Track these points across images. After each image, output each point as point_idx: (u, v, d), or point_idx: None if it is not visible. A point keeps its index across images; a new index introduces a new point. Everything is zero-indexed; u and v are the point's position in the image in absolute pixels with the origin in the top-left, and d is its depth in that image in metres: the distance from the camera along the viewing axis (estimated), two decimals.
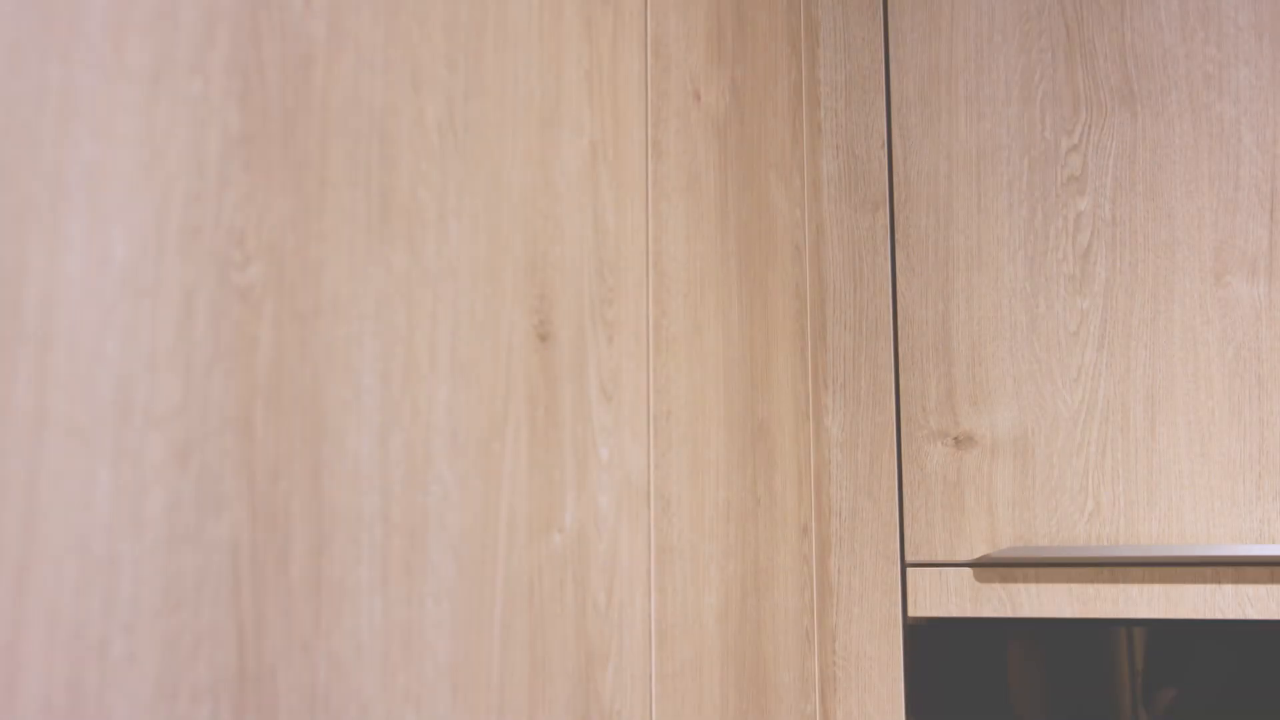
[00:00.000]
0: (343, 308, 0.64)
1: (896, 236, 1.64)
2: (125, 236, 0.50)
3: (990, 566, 1.53)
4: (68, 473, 0.47)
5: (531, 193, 0.85)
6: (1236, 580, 1.47)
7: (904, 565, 1.57)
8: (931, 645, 1.59)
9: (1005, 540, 1.53)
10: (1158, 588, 1.48)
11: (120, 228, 0.50)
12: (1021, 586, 1.52)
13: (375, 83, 0.68)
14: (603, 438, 0.94)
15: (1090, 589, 1.51)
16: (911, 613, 1.57)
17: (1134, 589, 1.49)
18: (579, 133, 0.93)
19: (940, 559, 1.55)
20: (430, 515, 0.70)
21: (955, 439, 1.56)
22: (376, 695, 0.64)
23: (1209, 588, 1.47)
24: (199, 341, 0.54)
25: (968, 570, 1.54)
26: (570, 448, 0.88)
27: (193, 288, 0.53)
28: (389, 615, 0.66)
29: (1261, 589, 1.47)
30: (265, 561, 0.57)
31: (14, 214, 0.45)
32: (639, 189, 1.05)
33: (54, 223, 0.47)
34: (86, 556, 0.47)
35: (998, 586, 1.52)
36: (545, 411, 0.85)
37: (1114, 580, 1.49)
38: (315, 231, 0.62)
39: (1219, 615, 1.47)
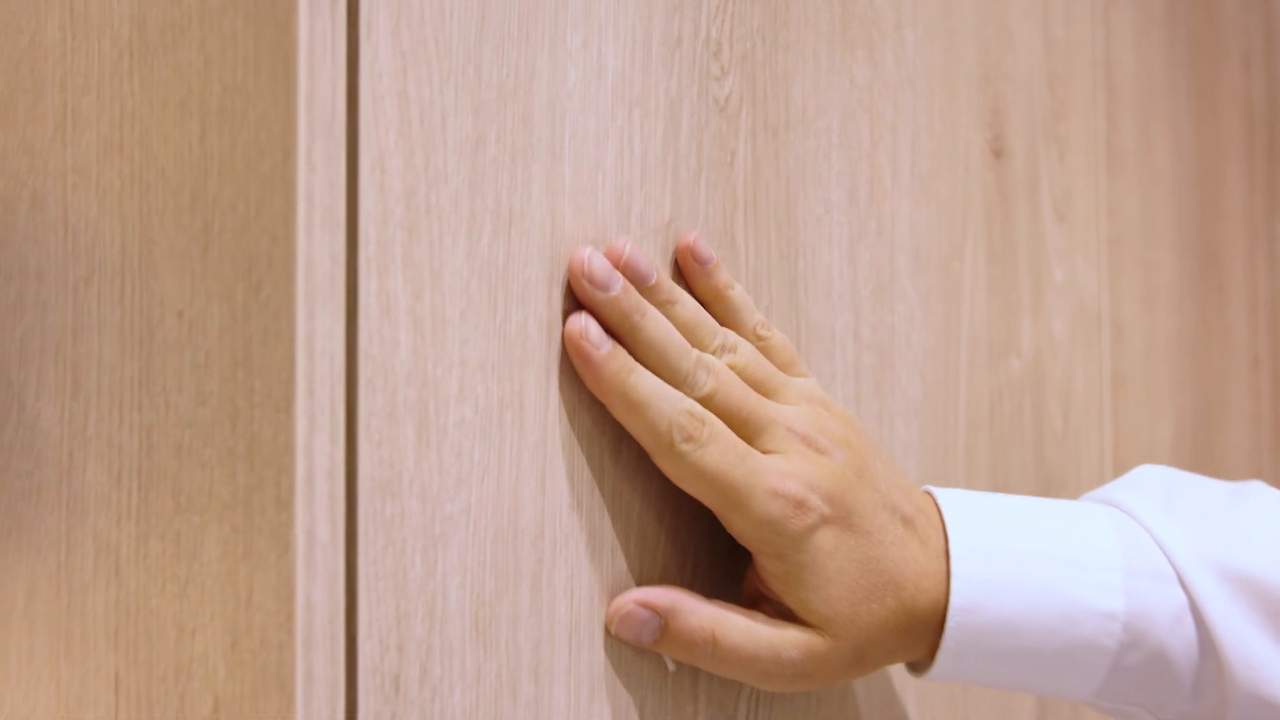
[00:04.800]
0: (810, 120, 0.62)
1: None
2: (615, 47, 0.50)
3: None
4: None
5: None
6: None
7: None
8: None
9: None
10: None
11: (611, 37, 0.50)
12: None
13: None
14: (1056, 260, 0.89)
15: None
16: None
17: None
18: None
19: None
20: (897, 334, 0.68)
21: None
22: None
23: None
24: (684, 153, 0.54)
25: None
26: (1025, 269, 0.84)
27: (676, 99, 0.53)
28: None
29: None
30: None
31: (520, 26, 0.46)
32: None
33: (555, 33, 0.47)
34: None
35: None
36: (1000, 231, 0.81)
37: None
38: (782, 42, 0.60)
39: None
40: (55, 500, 0.45)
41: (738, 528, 0.50)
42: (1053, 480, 0.86)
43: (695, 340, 0.52)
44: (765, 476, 0.50)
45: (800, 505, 0.50)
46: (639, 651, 0.50)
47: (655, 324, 0.50)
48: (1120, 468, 0.98)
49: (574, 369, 0.47)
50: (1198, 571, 0.54)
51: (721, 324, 0.54)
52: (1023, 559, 0.54)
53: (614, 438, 0.49)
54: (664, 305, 0.51)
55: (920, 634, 0.53)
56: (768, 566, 0.51)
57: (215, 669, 0.41)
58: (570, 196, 0.48)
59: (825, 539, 0.51)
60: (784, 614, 0.52)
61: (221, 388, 0.40)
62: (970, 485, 0.75)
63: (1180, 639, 0.54)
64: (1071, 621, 0.53)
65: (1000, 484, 0.79)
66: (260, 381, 0.39)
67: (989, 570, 0.53)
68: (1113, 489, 0.59)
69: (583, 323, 0.48)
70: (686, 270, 0.53)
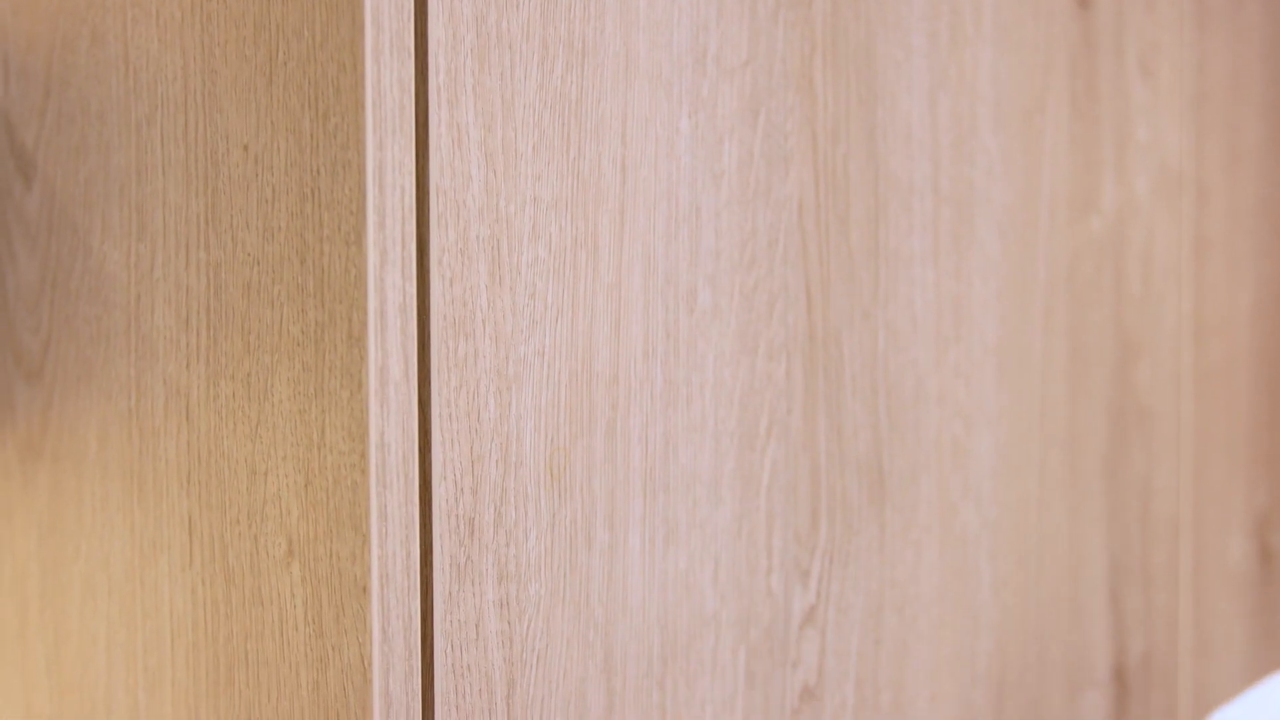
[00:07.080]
0: None
1: None
2: None
3: None
4: (653, 119, 0.46)
5: None
6: None
7: None
8: None
9: None
10: None
11: None
12: None
13: None
14: (1140, 117, 0.86)
15: None
16: None
17: None
18: None
19: None
20: (976, 188, 0.66)
21: None
22: (930, 368, 0.63)
23: None
24: None
25: None
26: (1109, 125, 0.81)
27: None
28: (940, 289, 0.63)
29: None
30: (828, 224, 0.56)
31: None
32: None
33: None
34: (673, 205, 0.47)
35: None
36: (1084, 85, 0.78)
37: None
38: None
39: None
40: (124, 345, 0.45)
41: None
42: (1130, 345, 0.84)
43: None
44: None
45: None
46: (713, 505, 0.49)
47: None
48: (1199, 334, 0.96)
49: (648, 211, 0.46)
50: None
51: None
52: None
53: (689, 288, 0.48)
54: None
55: None
56: None
57: (288, 510, 0.40)
58: (644, 30, 0.46)
59: None
60: None
61: (290, 222, 0.38)
62: (1048, 346, 0.74)
63: None
64: None
65: (1078, 346, 0.77)
66: (329, 215, 0.38)
67: None
68: None
69: None
70: None
